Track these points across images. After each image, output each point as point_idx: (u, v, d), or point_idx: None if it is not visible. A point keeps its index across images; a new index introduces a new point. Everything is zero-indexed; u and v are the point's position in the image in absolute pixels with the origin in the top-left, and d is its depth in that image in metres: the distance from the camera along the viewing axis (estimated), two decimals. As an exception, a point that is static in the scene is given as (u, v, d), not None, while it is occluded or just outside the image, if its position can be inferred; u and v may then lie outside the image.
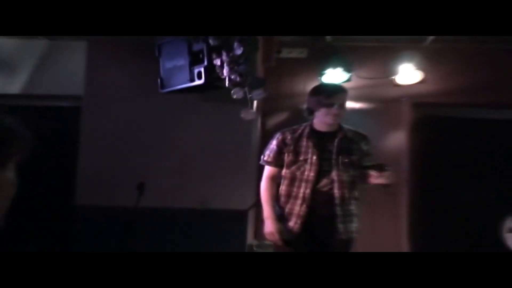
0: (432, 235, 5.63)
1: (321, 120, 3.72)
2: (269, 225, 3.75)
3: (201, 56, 4.36)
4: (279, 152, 3.77)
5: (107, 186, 4.82)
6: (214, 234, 4.83)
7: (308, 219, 3.67)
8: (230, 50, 4.17)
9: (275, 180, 3.82)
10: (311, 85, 5.53)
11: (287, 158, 3.73)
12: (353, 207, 3.71)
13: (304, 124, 3.82)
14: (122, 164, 4.91)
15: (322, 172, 3.65)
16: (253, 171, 4.98)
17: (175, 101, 4.87)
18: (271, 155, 3.81)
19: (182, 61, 4.46)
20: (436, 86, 5.56)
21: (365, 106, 5.57)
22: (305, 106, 3.83)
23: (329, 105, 3.64)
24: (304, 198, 3.67)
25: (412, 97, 5.55)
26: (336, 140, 3.69)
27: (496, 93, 5.55)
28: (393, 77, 5.54)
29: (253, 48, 4.36)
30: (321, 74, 5.44)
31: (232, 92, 4.27)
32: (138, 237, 4.49)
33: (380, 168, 3.52)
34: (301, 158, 3.69)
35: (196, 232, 4.85)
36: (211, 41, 4.19)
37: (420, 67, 5.46)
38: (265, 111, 5.57)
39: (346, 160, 3.66)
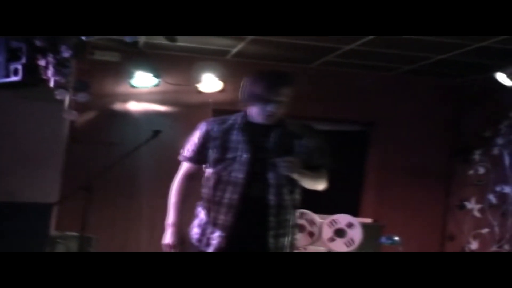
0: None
1: (258, 112, 3.02)
2: (169, 236, 3.07)
3: (19, 54, 4.25)
4: (202, 146, 3.06)
5: None
6: (19, 226, 4.77)
7: (234, 232, 2.97)
8: (56, 52, 4.18)
9: (192, 180, 3.17)
10: (121, 87, 5.85)
11: (211, 154, 3.02)
12: (289, 217, 3.05)
13: (238, 113, 3.12)
14: None
15: (254, 174, 2.95)
16: (60, 167, 5.13)
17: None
18: (191, 149, 3.11)
19: (-1, 58, 4.37)
20: (234, 95, 5.93)
21: (171, 110, 5.96)
22: (240, 92, 3.10)
23: (267, 100, 2.95)
24: (230, 205, 2.95)
25: (213, 104, 6.04)
26: (274, 135, 3.00)
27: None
28: (196, 85, 6.01)
29: (81, 51, 4.34)
30: (131, 78, 5.70)
31: (56, 92, 4.36)
32: None
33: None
34: (229, 155, 2.97)
35: (1, 223, 4.74)
36: (37, 42, 4.15)
37: (221, 78, 6.02)
38: (75, 110, 5.55)
39: (285, 160, 2.94)
